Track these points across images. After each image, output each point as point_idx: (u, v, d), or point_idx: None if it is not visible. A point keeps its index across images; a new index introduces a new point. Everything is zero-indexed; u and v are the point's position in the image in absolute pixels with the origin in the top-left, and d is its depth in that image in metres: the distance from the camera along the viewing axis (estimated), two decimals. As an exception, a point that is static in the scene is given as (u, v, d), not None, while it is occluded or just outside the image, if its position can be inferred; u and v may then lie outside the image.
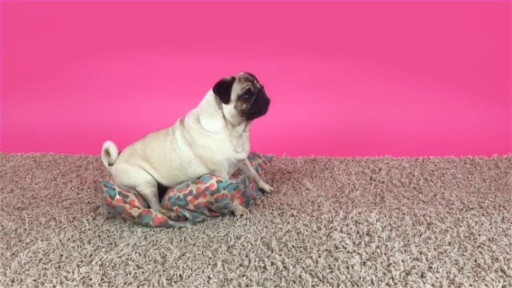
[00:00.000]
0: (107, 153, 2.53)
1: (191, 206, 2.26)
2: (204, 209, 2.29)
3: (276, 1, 3.85)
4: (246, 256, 1.95)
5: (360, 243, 2.03)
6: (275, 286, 1.74)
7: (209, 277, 1.80)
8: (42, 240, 2.15)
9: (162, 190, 2.44)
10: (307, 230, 2.17)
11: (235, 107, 2.26)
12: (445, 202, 2.48)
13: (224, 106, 2.28)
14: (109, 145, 2.52)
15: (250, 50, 3.86)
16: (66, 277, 1.83)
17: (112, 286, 1.77)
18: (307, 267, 1.85)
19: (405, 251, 1.94)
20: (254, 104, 2.27)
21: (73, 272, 1.86)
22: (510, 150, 3.33)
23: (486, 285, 1.69)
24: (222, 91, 2.26)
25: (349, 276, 1.78)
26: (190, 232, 2.22)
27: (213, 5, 3.88)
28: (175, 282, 1.78)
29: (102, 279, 1.82)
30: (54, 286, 1.78)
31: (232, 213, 2.40)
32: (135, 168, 2.40)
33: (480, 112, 3.77)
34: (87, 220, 2.36)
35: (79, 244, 2.11)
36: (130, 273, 1.85)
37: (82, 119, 4.05)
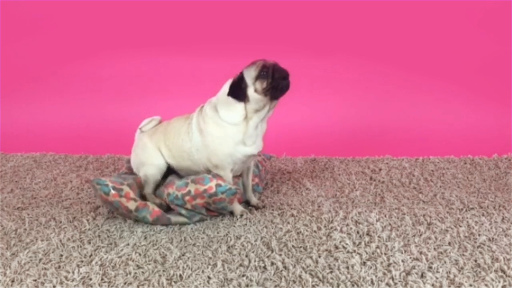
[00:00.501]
0: (150, 121, 2.65)
1: (188, 206, 2.26)
2: (202, 209, 2.29)
3: (276, 1, 3.85)
4: (246, 256, 1.95)
5: (360, 243, 2.03)
6: (275, 286, 1.74)
7: (209, 277, 1.80)
8: (42, 240, 2.15)
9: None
10: (307, 230, 2.17)
11: (255, 90, 2.22)
12: (445, 202, 2.48)
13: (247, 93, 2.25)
14: (156, 118, 2.66)
15: (250, 50, 3.84)
16: (66, 277, 1.83)
17: (112, 286, 1.77)
18: (307, 267, 1.85)
19: (405, 251, 1.94)
20: (275, 76, 2.20)
21: (73, 272, 1.86)
22: (510, 150, 3.33)
23: (486, 285, 1.69)
24: (235, 90, 2.23)
25: (349, 276, 1.78)
26: (190, 232, 2.21)
27: (213, 5, 3.88)
28: (175, 282, 1.78)
29: (102, 279, 1.81)
30: (54, 286, 1.78)
31: (232, 213, 2.39)
32: (154, 148, 2.50)
33: (480, 112, 3.77)
34: (87, 220, 2.36)
35: (79, 244, 2.11)
36: (130, 273, 1.85)
37: (82, 119, 4.05)
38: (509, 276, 1.74)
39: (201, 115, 2.38)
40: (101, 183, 2.29)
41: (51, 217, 2.42)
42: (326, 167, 3.17)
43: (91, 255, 2.00)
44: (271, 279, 1.78)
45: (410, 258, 1.89)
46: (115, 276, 1.83)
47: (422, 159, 3.28)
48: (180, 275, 1.82)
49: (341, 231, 2.15)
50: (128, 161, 2.71)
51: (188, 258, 1.95)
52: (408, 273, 1.78)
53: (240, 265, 1.89)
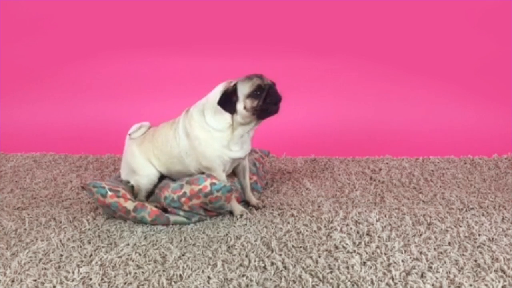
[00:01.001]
0: (139, 128, 2.59)
1: (185, 207, 2.26)
2: (199, 209, 2.28)
3: (276, 1, 3.85)
4: (246, 256, 1.95)
5: (360, 243, 2.03)
6: (275, 286, 1.74)
7: (209, 277, 1.80)
8: (42, 240, 2.15)
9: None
10: (307, 230, 2.17)
11: (244, 107, 2.22)
12: (445, 202, 2.48)
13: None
14: (145, 125, 2.60)
15: (250, 50, 3.86)
16: (66, 277, 1.83)
17: (112, 286, 1.77)
18: (307, 267, 1.85)
19: (405, 251, 1.94)
20: (266, 100, 2.20)
21: (73, 272, 1.86)
22: (510, 150, 3.33)
23: (486, 285, 1.69)
24: (225, 102, 2.22)
25: (349, 276, 1.78)
26: (190, 232, 2.21)
27: (213, 5, 3.88)
28: (175, 282, 1.78)
29: (102, 279, 1.81)
30: (54, 286, 1.78)
31: (232, 213, 2.39)
32: (143, 158, 2.48)
33: (480, 112, 3.77)
34: (87, 220, 2.36)
35: (79, 244, 2.11)
36: (130, 273, 1.85)
37: (82, 119, 4.05)
38: (509, 276, 1.74)
39: (187, 118, 2.36)
40: (98, 185, 2.29)
41: (51, 217, 2.42)
42: (326, 167, 3.17)
43: (91, 255, 2.00)
44: (271, 279, 1.78)
45: (410, 258, 1.89)
46: (115, 276, 1.83)
47: (422, 159, 3.28)
48: (180, 275, 1.82)
49: (341, 231, 2.15)
50: None
51: (188, 258, 1.95)
52: (408, 273, 1.78)
53: (240, 265, 1.89)
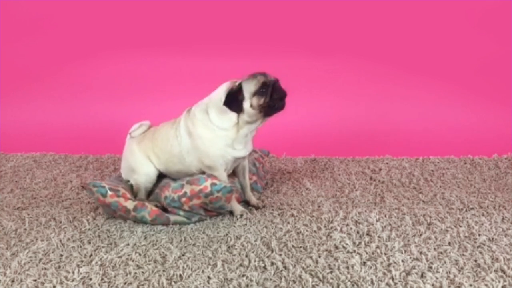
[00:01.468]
0: (139, 127, 2.60)
1: (186, 207, 2.26)
2: (199, 209, 2.28)
3: (276, 1, 3.85)
4: (246, 256, 1.95)
5: (360, 243, 2.03)
6: (275, 286, 1.74)
7: (209, 277, 1.80)
8: (42, 240, 2.15)
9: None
10: (307, 230, 2.17)
11: (251, 105, 2.23)
12: (445, 202, 2.48)
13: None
14: (145, 123, 2.60)
15: (250, 50, 3.86)
16: (66, 277, 1.83)
17: (112, 286, 1.77)
18: (307, 267, 1.85)
19: (405, 251, 1.94)
20: (272, 96, 2.21)
21: (73, 272, 1.86)
22: (510, 150, 3.33)
23: (486, 285, 1.69)
24: (231, 101, 2.22)
25: (349, 276, 1.78)
26: (190, 232, 2.21)
27: (213, 5, 3.88)
28: (175, 282, 1.78)
29: (102, 279, 1.81)
30: (54, 286, 1.78)
31: (232, 213, 2.39)
32: (143, 156, 2.48)
33: (480, 112, 3.77)
34: (87, 220, 2.36)
35: (79, 244, 2.11)
36: (130, 273, 1.85)
37: (82, 119, 4.05)
38: (509, 276, 1.74)
39: (189, 117, 2.36)
40: (98, 185, 2.29)
41: (51, 217, 2.42)
42: (326, 167, 3.17)
43: (91, 255, 2.00)
44: (271, 279, 1.78)
45: (410, 258, 1.89)
46: (115, 276, 1.83)
47: (422, 159, 3.28)
48: (180, 275, 1.82)
49: (341, 231, 2.15)
50: None
51: (188, 258, 1.95)
52: (408, 273, 1.78)
53: (240, 265, 1.89)
